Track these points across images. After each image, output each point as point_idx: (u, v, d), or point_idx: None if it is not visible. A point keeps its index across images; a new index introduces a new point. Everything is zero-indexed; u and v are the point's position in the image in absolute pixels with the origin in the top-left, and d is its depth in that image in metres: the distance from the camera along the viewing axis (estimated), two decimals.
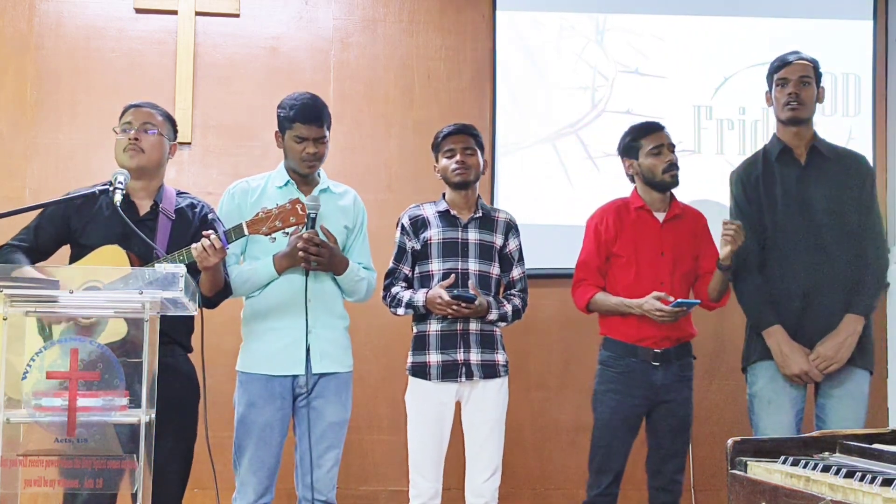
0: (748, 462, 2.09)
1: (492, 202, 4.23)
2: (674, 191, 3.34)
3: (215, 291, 2.85)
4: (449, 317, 3.14)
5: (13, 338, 2.20)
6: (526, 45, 4.36)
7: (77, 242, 2.88)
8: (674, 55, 4.37)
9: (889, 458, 1.94)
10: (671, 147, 3.29)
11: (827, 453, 2.13)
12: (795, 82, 3.14)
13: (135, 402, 2.19)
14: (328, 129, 3.10)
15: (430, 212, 3.30)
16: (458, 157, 3.23)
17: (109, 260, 2.73)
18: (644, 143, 3.30)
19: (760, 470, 2.04)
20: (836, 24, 4.38)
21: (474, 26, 4.35)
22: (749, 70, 4.34)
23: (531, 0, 4.35)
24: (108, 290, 2.28)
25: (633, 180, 3.38)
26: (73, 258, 2.88)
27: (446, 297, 3.08)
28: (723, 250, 3.11)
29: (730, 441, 2.14)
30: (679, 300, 3.11)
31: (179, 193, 3.03)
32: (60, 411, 2.16)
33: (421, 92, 4.31)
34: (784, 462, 2.02)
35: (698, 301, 3.11)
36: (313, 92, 3.18)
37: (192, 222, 2.97)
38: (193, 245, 2.72)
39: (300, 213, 2.80)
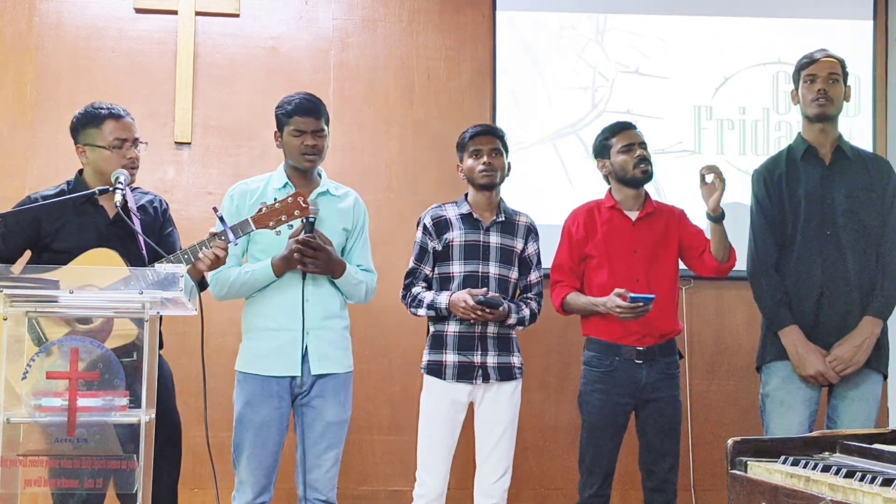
0: (748, 462, 2.09)
1: None
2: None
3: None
4: (471, 321, 3.14)
5: (13, 338, 2.20)
6: (526, 45, 4.36)
7: (48, 247, 2.84)
8: (674, 55, 4.36)
9: (889, 458, 1.94)
10: (642, 145, 3.31)
11: (827, 453, 2.13)
12: (824, 79, 3.14)
13: (135, 402, 2.19)
14: (326, 124, 3.11)
15: (452, 213, 3.30)
16: (485, 159, 3.23)
17: (102, 263, 2.71)
18: (615, 141, 3.33)
19: (760, 470, 2.04)
20: (836, 24, 4.37)
21: (474, 26, 4.35)
22: (749, 70, 4.34)
23: (531, 0, 4.35)
24: (108, 291, 2.28)
25: (608, 181, 3.40)
26: (42, 263, 2.80)
27: (472, 301, 3.07)
28: (710, 200, 3.14)
29: (730, 441, 2.14)
30: (633, 296, 3.09)
31: (133, 189, 3.03)
32: (60, 411, 2.17)
33: (421, 92, 4.31)
34: (784, 462, 2.02)
35: (653, 296, 3.10)
36: (313, 92, 3.18)
37: (155, 217, 3.02)
38: (203, 251, 2.73)
39: (303, 205, 2.83)
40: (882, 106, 4.40)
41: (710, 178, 3.17)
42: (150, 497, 2.21)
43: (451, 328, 3.19)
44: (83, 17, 4.21)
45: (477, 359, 3.17)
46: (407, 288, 3.28)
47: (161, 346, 2.99)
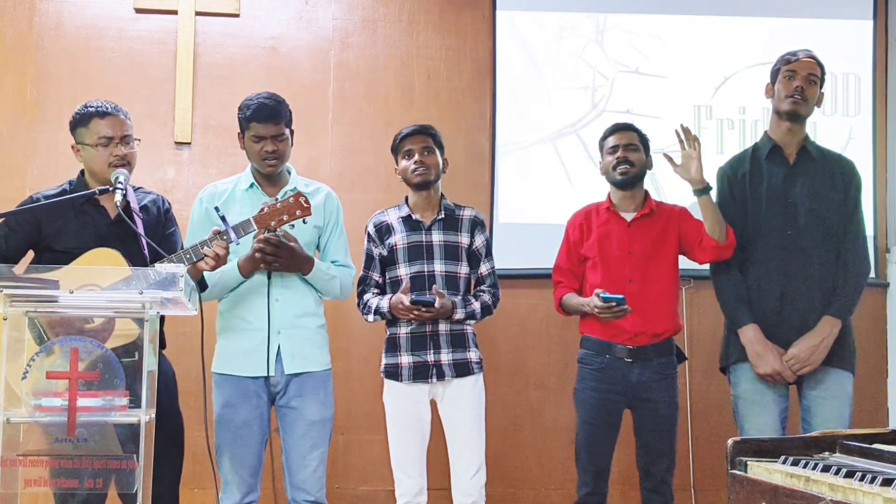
0: (748, 462, 2.09)
1: (492, 202, 4.23)
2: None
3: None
4: (412, 321, 3.16)
5: (13, 338, 2.20)
6: (526, 45, 4.36)
7: (49, 248, 2.84)
8: (674, 55, 4.37)
9: (889, 458, 1.94)
10: (629, 147, 3.30)
11: (827, 453, 2.13)
12: (804, 77, 3.15)
13: (135, 402, 2.19)
14: (287, 126, 3.10)
15: (393, 217, 3.32)
16: (416, 158, 3.24)
17: (105, 263, 2.71)
18: (606, 142, 3.36)
19: (760, 470, 2.04)
20: (836, 24, 4.38)
21: (474, 26, 4.35)
22: (749, 70, 4.34)
23: (531, 0, 4.35)
24: (108, 290, 2.28)
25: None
26: (44, 263, 2.80)
27: (406, 302, 3.11)
28: (692, 172, 3.13)
29: (730, 441, 2.14)
30: (604, 295, 3.12)
31: (136, 189, 3.03)
32: (60, 411, 2.16)
33: (421, 92, 4.31)
34: (784, 462, 2.02)
35: (621, 296, 3.12)
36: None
37: (158, 217, 3.02)
38: (206, 249, 2.74)
39: (304, 204, 2.84)
40: (882, 106, 4.40)
41: (678, 156, 3.16)
42: (150, 497, 2.21)
43: (403, 330, 3.22)
44: (83, 17, 4.21)
45: (430, 357, 3.19)
46: (360, 296, 3.31)
47: (164, 346, 2.99)
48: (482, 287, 3.33)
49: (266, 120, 3.03)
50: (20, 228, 2.85)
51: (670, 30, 4.38)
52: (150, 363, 2.21)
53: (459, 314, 3.21)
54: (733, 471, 2.10)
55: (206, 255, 2.75)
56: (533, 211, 4.22)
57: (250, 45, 4.26)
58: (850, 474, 1.81)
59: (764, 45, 4.32)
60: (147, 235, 2.84)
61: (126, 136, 2.91)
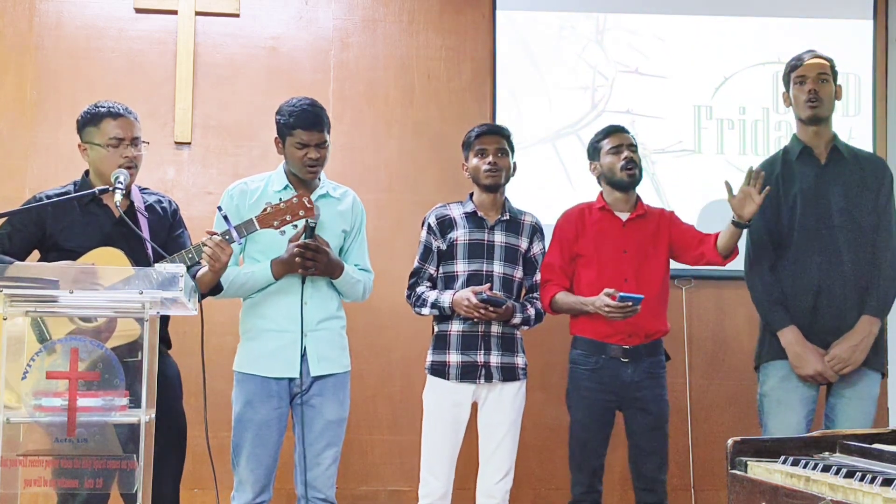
0: (748, 462, 2.09)
1: None
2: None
3: (209, 288, 2.87)
4: (475, 319, 3.14)
5: (14, 338, 2.20)
6: (526, 45, 4.36)
7: (55, 246, 2.84)
8: (674, 55, 4.36)
9: (889, 458, 1.94)
10: (631, 147, 3.32)
11: (827, 453, 2.13)
12: (814, 79, 3.15)
13: (135, 402, 2.19)
14: (328, 132, 3.10)
15: (457, 212, 3.30)
16: (490, 159, 3.23)
17: (108, 262, 2.71)
18: (605, 143, 3.35)
19: (760, 470, 2.04)
20: (836, 24, 4.37)
21: (474, 26, 4.35)
22: (749, 70, 4.34)
23: (531, 0, 4.35)
24: (109, 290, 2.27)
25: (600, 183, 3.41)
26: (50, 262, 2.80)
27: (474, 300, 3.08)
28: (745, 211, 3.04)
29: (730, 441, 2.14)
30: (622, 295, 3.09)
31: (141, 190, 3.03)
32: (60, 411, 2.17)
33: (421, 92, 4.31)
34: (784, 462, 2.02)
35: (642, 296, 3.09)
36: (313, 92, 3.18)
37: (165, 217, 3.01)
38: (205, 248, 2.73)
39: (307, 205, 2.84)
40: (882, 106, 4.40)
41: (738, 190, 3.07)
42: (150, 497, 2.21)
43: (455, 328, 3.19)
44: (83, 17, 4.21)
45: (480, 358, 3.17)
46: (411, 287, 3.29)
47: (169, 346, 2.99)
48: (534, 295, 3.32)
49: (311, 127, 3.03)
50: (24, 227, 2.85)
51: (670, 30, 4.37)
52: (150, 363, 2.21)
53: (518, 318, 3.21)
54: (733, 471, 2.10)
55: (205, 254, 2.74)
56: (533, 211, 4.20)
57: (250, 45, 4.26)
58: (850, 474, 1.81)
59: (764, 45, 4.33)
60: (152, 236, 2.84)
61: (136, 139, 2.91)
